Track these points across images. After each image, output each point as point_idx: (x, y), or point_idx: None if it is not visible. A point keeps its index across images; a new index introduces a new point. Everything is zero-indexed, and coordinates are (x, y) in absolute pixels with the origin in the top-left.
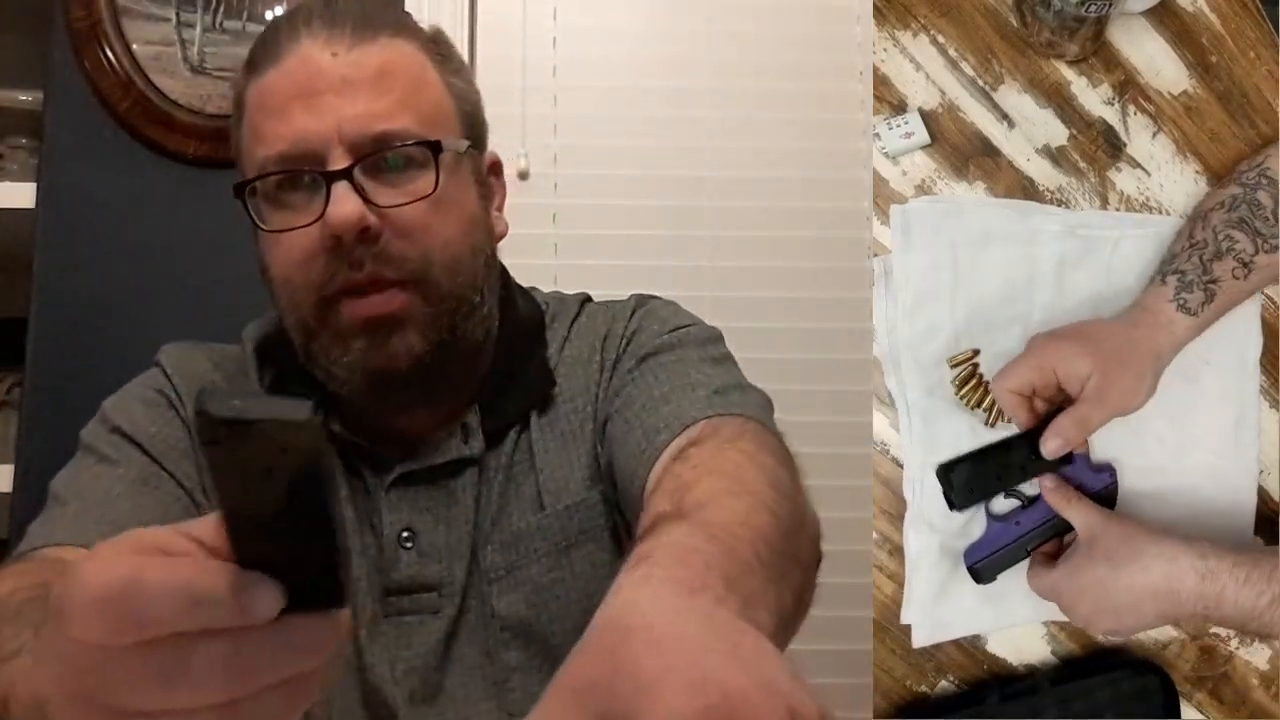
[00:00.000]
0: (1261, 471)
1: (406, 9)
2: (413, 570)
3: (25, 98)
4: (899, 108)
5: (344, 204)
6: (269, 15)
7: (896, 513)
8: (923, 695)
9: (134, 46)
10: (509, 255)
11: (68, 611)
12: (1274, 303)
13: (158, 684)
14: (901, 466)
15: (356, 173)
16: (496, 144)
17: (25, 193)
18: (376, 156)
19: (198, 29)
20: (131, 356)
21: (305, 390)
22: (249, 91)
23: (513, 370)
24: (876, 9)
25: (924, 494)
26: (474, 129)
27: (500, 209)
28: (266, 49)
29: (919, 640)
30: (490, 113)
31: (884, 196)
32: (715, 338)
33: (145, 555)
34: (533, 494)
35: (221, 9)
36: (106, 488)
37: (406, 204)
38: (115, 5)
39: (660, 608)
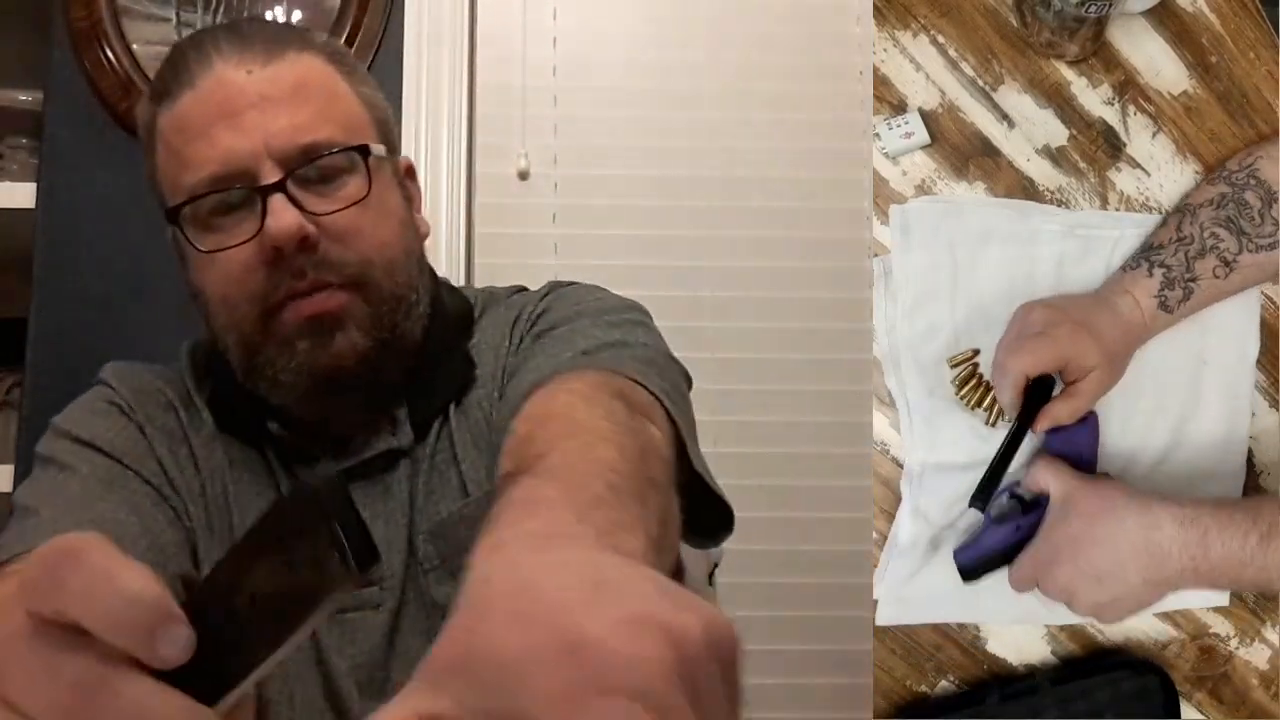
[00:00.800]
0: (1261, 472)
1: (404, 9)
2: None
3: (25, 98)
4: (899, 108)
5: (282, 216)
6: (269, 16)
7: (896, 511)
8: (923, 695)
9: (134, 46)
10: (509, 255)
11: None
12: (1274, 303)
13: (33, 672)
14: (901, 466)
15: (290, 184)
16: (496, 144)
17: (25, 193)
18: (308, 167)
19: (198, 29)
20: (131, 357)
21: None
22: (161, 119)
23: (438, 363)
24: (876, 9)
25: (922, 489)
26: (388, 136)
27: (419, 210)
28: (176, 75)
29: (883, 618)
30: (490, 113)
31: (884, 196)
32: (623, 307)
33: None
34: (458, 483)
35: (221, 9)
36: (75, 491)
37: (341, 210)
38: (115, 5)
39: (514, 575)
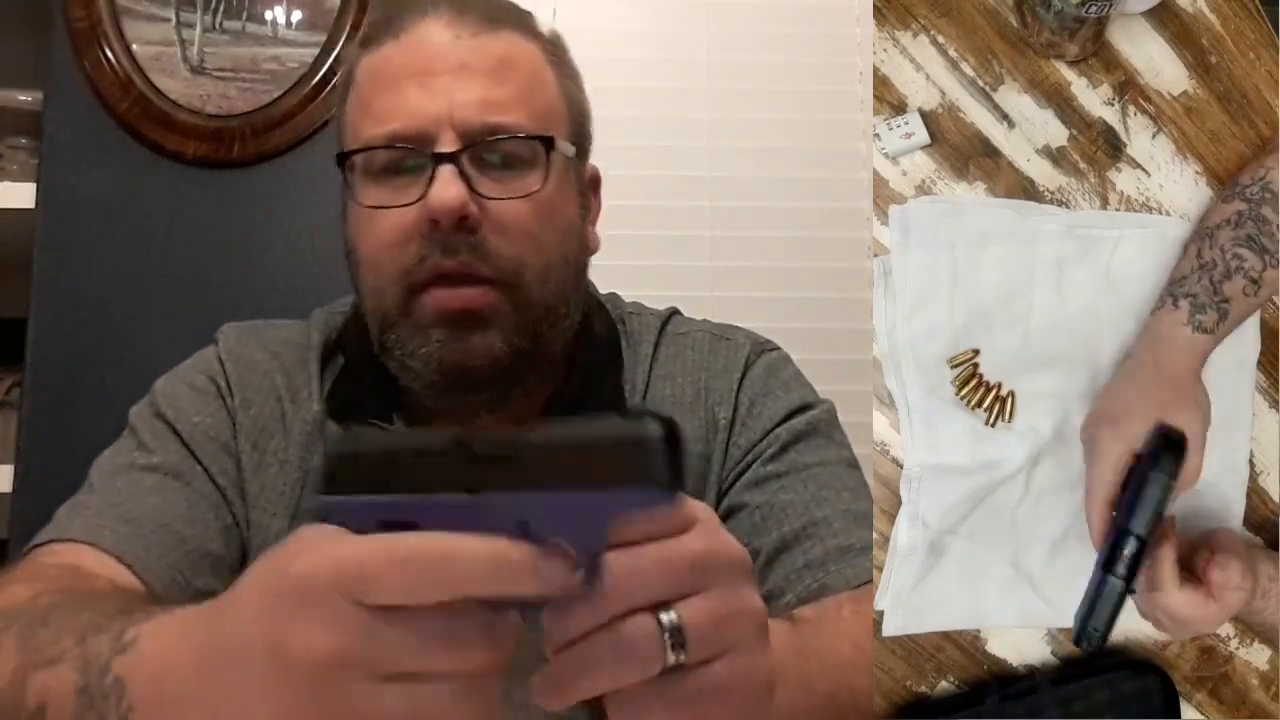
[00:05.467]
0: (1261, 472)
1: None
2: None
3: (25, 98)
4: (899, 108)
5: (448, 188)
6: (269, 15)
7: (896, 513)
8: (923, 695)
9: (134, 46)
10: None
11: (365, 575)
12: (1274, 303)
13: (433, 647)
14: (901, 467)
15: (464, 159)
16: None
17: (25, 193)
18: (487, 146)
19: (198, 29)
20: (131, 356)
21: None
22: (360, 64)
23: (584, 393)
24: (876, 9)
25: (920, 491)
26: (580, 138)
27: (594, 223)
28: (387, 23)
29: (890, 629)
30: None
31: (884, 197)
32: (836, 420)
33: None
34: None
35: (221, 9)
36: (137, 479)
37: (511, 199)
38: (115, 5)
39: None
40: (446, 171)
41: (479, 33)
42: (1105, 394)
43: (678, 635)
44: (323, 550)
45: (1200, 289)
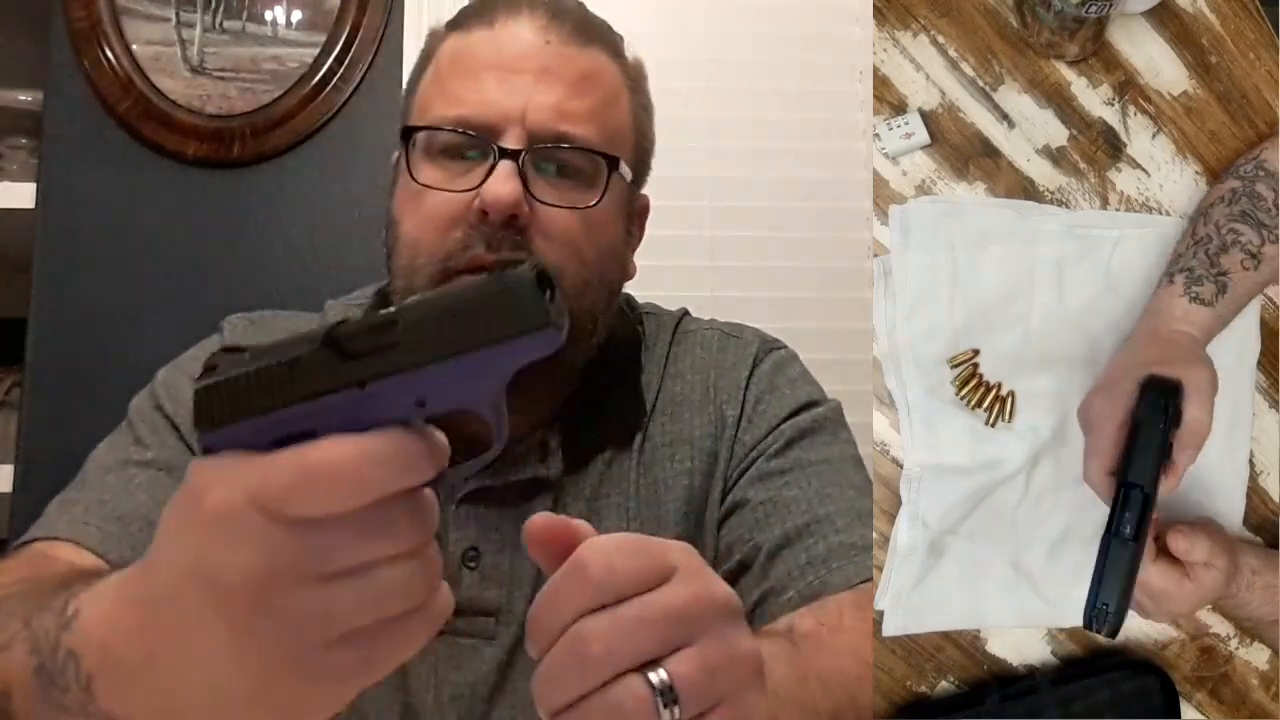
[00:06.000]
0: (1261, 472)
1: (404, 9)
2: (472, 592)
3: (25, 98)
4: (899, 108)
5: (505, 183)
6: (269, 15)
7: (896, 513)
8: (923, 695)
9: (134, 46)
10: None
11: (278, 494)
12: (1274, 303)
13: (364, 538)
14: (901, 467)
15: (525, 159)
16: None
17: (25, 193)
18: (549, 152)
19: (198, 29)
20: (131, 356)
21: None
22: (445, 44)
23: (602, 394)
24: (876, 9)
25: (920, 491)
26: (640, 167)
27: (633, 251)
28: (480, 11)
29: (889, 629)
30: None
31: (884, 197)
32: (842, 417)
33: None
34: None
35: (221, 9)
36: (130, 475)
37: (564, 208)
38: (115, 5)
39: None
40: (506, 166)
41: (569, 42)
42: (1101, 372)
43: (669, 694)
44: (230, 478)
45: (1196, 263)
